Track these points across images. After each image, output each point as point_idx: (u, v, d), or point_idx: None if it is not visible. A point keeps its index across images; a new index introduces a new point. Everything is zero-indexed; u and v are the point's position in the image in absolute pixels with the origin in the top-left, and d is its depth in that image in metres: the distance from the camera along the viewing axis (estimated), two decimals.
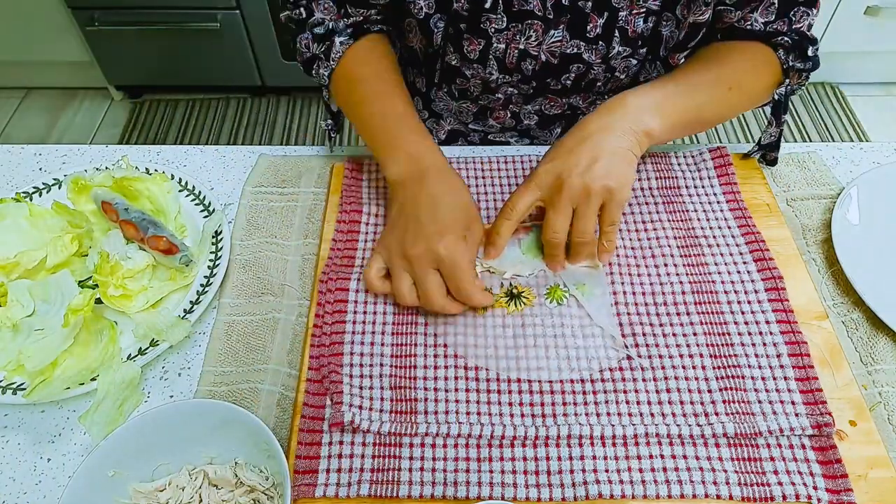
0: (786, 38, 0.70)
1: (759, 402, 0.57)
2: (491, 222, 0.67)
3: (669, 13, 0.71)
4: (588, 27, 0.71)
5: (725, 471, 0.53)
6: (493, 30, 0.71)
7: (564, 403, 0.57)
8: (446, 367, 0.59)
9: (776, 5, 0.69)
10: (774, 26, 0.71)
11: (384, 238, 0.66)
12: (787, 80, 0.72)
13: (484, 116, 0.85)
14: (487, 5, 0.69)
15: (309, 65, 0.77)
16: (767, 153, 0.77)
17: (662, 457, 0.54)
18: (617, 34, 0.71)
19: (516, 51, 0.73)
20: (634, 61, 0.75)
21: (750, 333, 0.61)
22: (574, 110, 0.84)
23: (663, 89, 0.67)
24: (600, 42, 0.72)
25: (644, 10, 0.70)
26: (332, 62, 0.74)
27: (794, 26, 0.71)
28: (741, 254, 0.67)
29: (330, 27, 0.75)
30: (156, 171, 0.76)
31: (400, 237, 0.63)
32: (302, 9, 0.75)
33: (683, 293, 0.64)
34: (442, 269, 0.60)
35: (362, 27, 0.76)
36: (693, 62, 0.73)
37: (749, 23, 0.71)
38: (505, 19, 0.71)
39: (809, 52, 0.70)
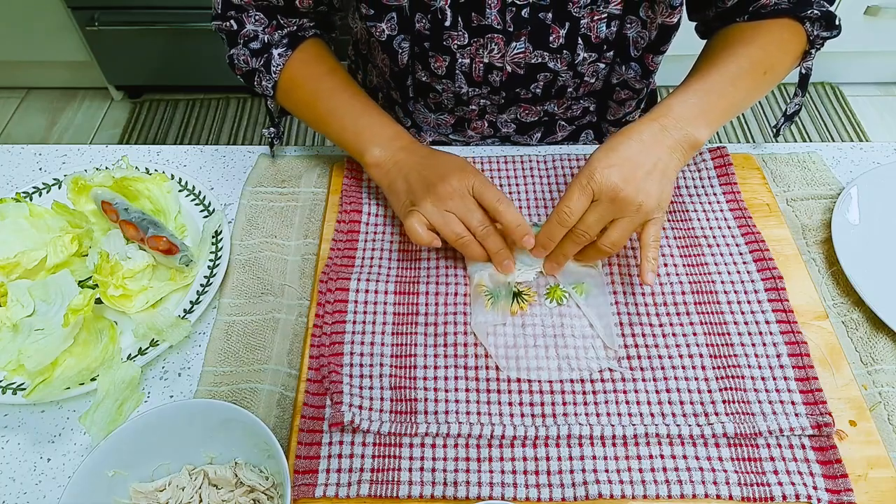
0: (814, 11, 0.69)
1: (759, 402, 0.57)
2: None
3: (633, 16, 0.71)
4: (550, 38, 0.71)
5: (725, 471, 0.53)
6: (455, 46, 0.72)
7: (564, 403, 0.57)
8: (446, 367, 0.60)
9: None
10: None
11: (411, 201, 0.66)
12: (813, 51, 0.72)
13: (462, 127, 0.85)
14: (447, 23, 0.70)
15: (249, 78, 0.76)
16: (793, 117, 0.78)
17: (662, 457, 0.54)
18: (580, 41, 0.71)
19: (481, 64, 0.73)
20: (602, 65, 0.75)
21: (750, 333, 0.61)
22: (551, 116, 0.83)
23: (704, 89, 0.65)
24: (564, 51, 0.72)
25: (605, 15, 0.69)
26: (273, 75, 0.74)
27: None
28: (741, 254, 0.67)
29: (265, 40, 0.74)
30: (156, 171, 0.76)
31: (424, 189, 0.64)
32: (232, 21, 0.74)
33: (683, 293, 0.64)
34: (476, 190, 0.63)
35: (297, 35, 0.76)
36: (722, 49, 0.70)
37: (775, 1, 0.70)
38: (466, 35, 0.71)
39: (836, 21, 0.70)
